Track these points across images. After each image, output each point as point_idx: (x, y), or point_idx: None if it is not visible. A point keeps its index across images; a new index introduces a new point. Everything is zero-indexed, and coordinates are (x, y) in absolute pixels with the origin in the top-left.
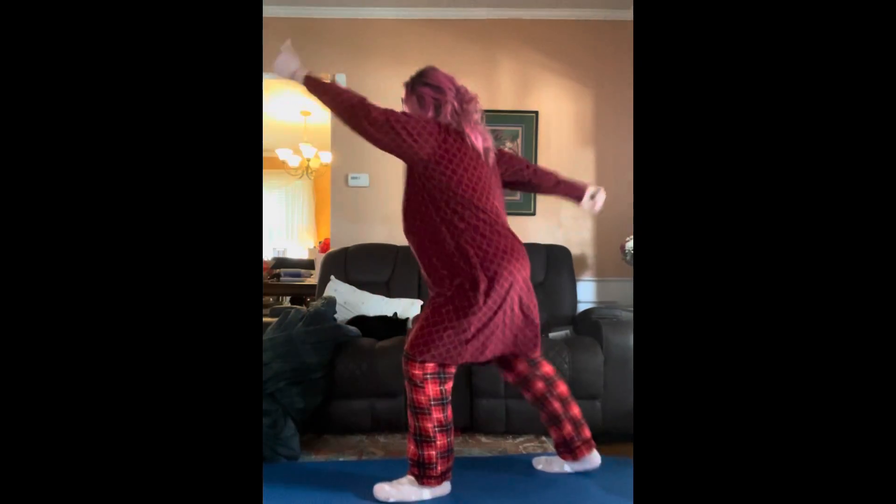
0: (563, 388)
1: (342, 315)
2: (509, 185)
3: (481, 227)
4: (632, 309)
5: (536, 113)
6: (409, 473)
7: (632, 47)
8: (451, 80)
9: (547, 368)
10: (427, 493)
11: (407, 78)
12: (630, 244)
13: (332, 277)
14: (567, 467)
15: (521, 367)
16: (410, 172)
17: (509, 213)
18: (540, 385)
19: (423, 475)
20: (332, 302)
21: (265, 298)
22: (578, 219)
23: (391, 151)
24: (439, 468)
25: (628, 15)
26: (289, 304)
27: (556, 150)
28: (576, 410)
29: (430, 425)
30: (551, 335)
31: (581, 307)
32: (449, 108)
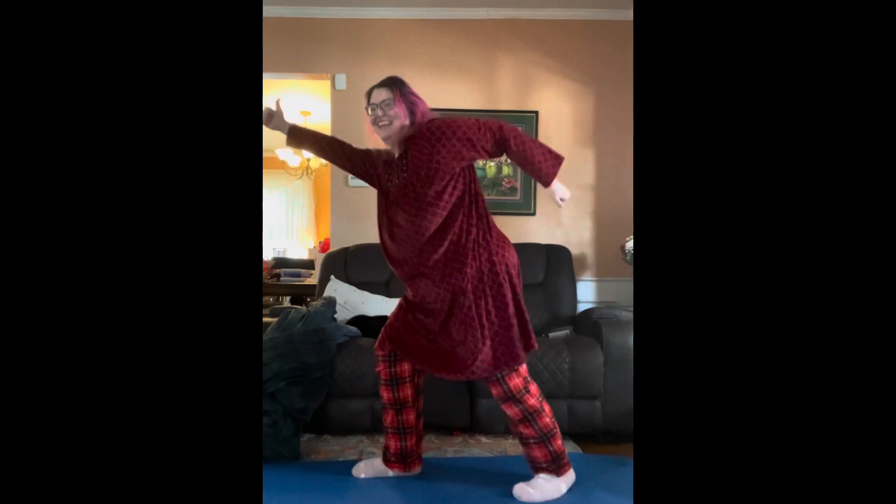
0: (421, 402)
1: (342, 315)
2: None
3: (479, 218)
4: (632, 309)
5: (536, 113)
6: (546, 472)
7: (632, 47)
8: None
9: (420, 380)
10: (565, 484)
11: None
12: (630, 244)
13: (332, 277)
14: (391, 473)
15: (408, 370)
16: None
17: (509, 213)
18: (409, 391)
19: (560, 465)
20: (332, 302)
21: (265, 298)
22: (578, 219)
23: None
24: (566, 454)
25: (628, 15)
26: (289, 304)
27: (556, 150)
28: (421, 425)
29: (548, 419)
30: (551, 335)
31: (581, 307)
32: (426, 117)
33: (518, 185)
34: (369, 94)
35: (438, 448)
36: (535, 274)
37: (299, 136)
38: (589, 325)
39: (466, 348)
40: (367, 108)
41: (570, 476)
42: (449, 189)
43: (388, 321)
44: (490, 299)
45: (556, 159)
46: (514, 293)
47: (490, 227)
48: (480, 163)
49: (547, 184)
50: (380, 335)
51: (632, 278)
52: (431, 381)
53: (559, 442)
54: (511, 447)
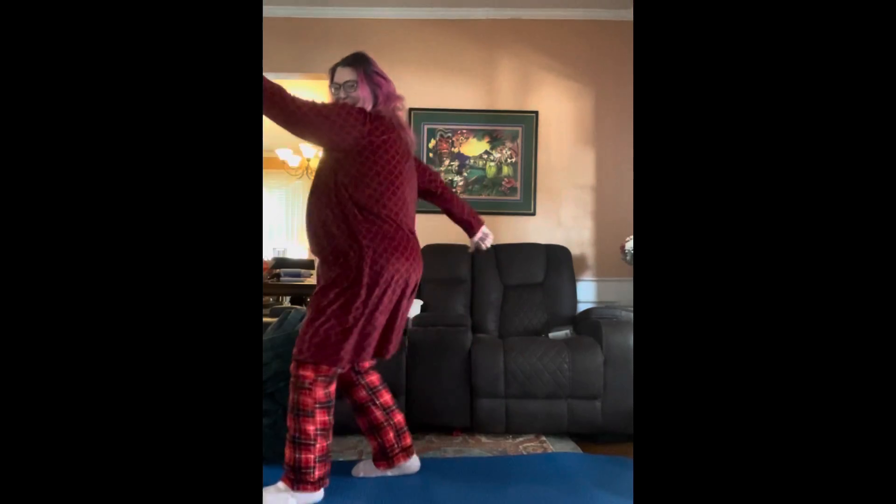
0: (386, 396)
1: None
2: (421, 193)
3: (381, 222)
4: (632, 309)
5: (536, 113)
6: (283, 479)
7: (632, 47)
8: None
9: (373, 377)
10: (294, 500)
11: (377, 70)
12: (630, 244)
13: None
14: (389, 472)
15: (346, 374)
16: (326, 157)
17: (509, 213)
18: (362, 393)
19: (299, 480)
20: None
21: (265, 298)
22: (578, 219)
23: (311, 138)
24: (316, 473)
25: (628, 15)
26: (289, 304)
27: (556, 150)
28: (399, 418)
29: (312, 428)
30: (551, 335)
31: (581, 307)
32: (391, 100)
33: (518, 185)
34: (333, 71)
35: (438, 448)
36: (535, 274)
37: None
38: (589, 325)
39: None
40: (330, 87)
41: (312, 495)
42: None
43: None
44: (339, 292)
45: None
46: (371, 302)
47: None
48: (480, 163)
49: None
50: None
51: (632, 278)
52: (432, 381)
53: (311, 458)
54: (511, 447)
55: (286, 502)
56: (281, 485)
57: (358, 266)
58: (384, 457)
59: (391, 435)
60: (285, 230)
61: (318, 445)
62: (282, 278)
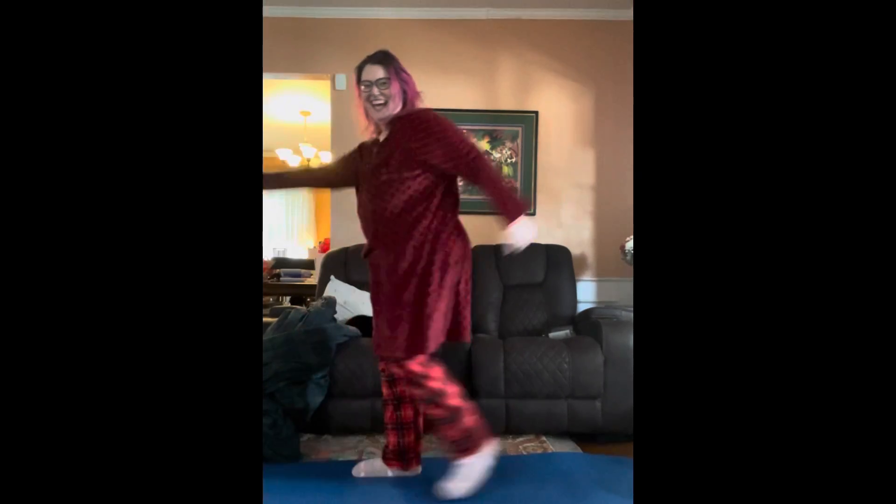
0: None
1: (342, 315)
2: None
3: (453, 215)
4: (632, 309)
5: (536, 113)
6: (461, 455)
7: (632, 47)
8: None
9: None
10: (485, 456)
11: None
12: (630, 244)
13: (332, 277)
14: (390, 472)
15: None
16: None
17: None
18: (402, 387)
19: (475, 443)
20: (332, 302)
21: (265, 298)
22: (578, 219)
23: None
24: (482, 429)
25: (628, 15)
26: (289, 304)
27: (555, 150)
28: (421, 423)
29: (455, 400)
30: (551, 335)
31: (581, 307)
32: (418, 97)
33: (518, 185)
34: (360, 69)
35: (438, 448)
36: (535, 274)
37: (281, 181)
38: (589, 325)
39: (382, 324)
40: (358, 85)
41: (485, 450)
42: (414, 178)
43: None
44: (415, 285)
45: (517, 206)
46: (441, 285)
47: (447, 223)
48: None
49: (506, 223)
50: None
51: (632, 278)
52: None
53: (470, 420)
54: (511, 447)
55: (485, 463)
56: (463, 461)
57: (430, 252)
58: (400, 457)
59: (413, 437)
60: (285, 230)
61: (467, 407)
62: (282, 278)
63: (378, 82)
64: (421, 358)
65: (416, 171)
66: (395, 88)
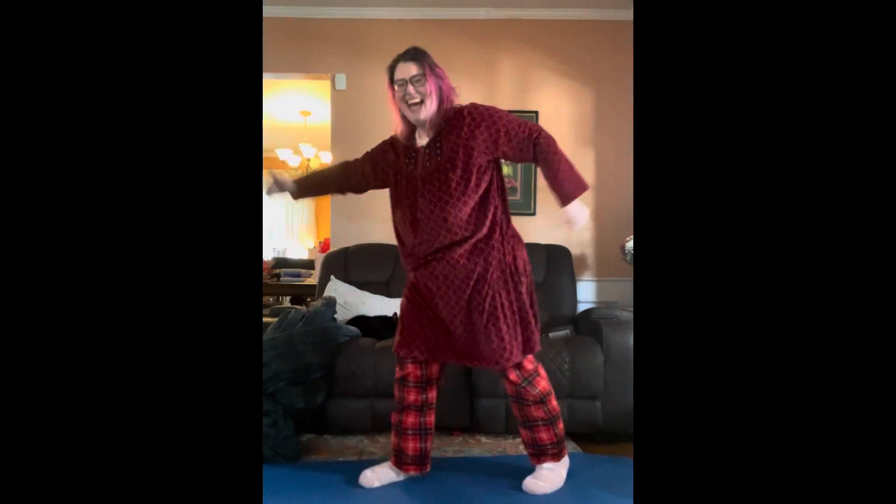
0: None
1: (342, 315)
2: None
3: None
4: (632, 309)
5: (536, 113)
6: (550, 459)
7: (632, 47)
8: None
9: (441, 382)
10: (567, 464)
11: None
12: (630, 244)
13: (332, 277)
14: (401, 476)
15: (431, 372)
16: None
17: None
18: (432, 394)
19: (564, 445)
20: (332, 302)
21: (265, 298)
22: None
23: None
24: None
25: (628, 15)
26: (289, 304)
27: None
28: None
29: (555, 402)
30: (551, 335)
31: (581, 307)
32: (453, 93)
33: (518, 185)
34: (392, 69)
35: (438, 448)
36: (536, 274)
37: (307, 186)
38: (589, 325)
39: (491, 337)
40: (392, 84)
41: (566, 460)
42: (478, 178)
43: (403, 321)
44: (511, 290)
45: (580, 185)
46: (529, 288)
47: (509, 222)
48: None
49: (562, 204)
50: (399, 336)
51: (632, 278)
52: None
53: (562, 425)
54: (511, 447)
55: (562, 475)
56: (548, 467)
57: (512, 256)
58: (418, 462)
59: (430, 443)
60: (285, 230)
61: (559, 415)
62: (282, 278)
63: (413, 80)
64: (531, 356)
65: (485, 169)
66: (431, 85)
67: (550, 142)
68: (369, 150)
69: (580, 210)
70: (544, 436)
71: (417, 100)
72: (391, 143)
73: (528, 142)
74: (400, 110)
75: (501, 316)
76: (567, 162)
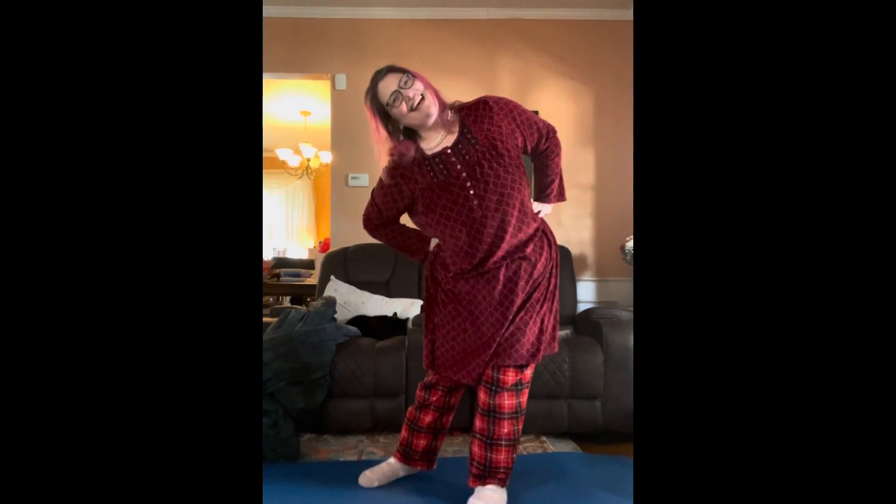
0: None
1: (342, 315)
2: None
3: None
4: (632, 309)
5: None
6: (496, 482)
7: (632, 47)
8: None
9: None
10: (504, 494)
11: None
12: (630, 244)
13: (332, 277)
14: (402, 473)
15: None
16: (513, 159)
17: None
18: (458, 397)
19: (506, 478)
20: (332, 302)
21: (265, 298)
22: (578, 219)
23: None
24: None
25: (628, 15)
26: (289, 304)
27: None
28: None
29: (520, 427)
30: None
31: (581, 307)
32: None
33: None
34: (374, 90)
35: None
36: None
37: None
38: (589, 325)
39: (530, 329)
40: (388, 104)
41: (505, 492)
42: (517, 171)
43: (438, 339)
44: (552, 280)
45: (562, 194)
46: (556, 285)
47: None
48: None
49: (541, 201)
50: (431, 357)
51: (632, 278)
52: None
53: (512, 456)
54: None
55: (504, 500)
56: (492, 488)
57: (549, 248)
58: (427, 458)
59: (441, 442)
60: (285, 230)
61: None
62: (282, 278)
63: (403, 84)
64: (533, 365)
65: (519, 163)
66: (422, 82)
67: (559, 143)
68: (378, 204)
69: (546, 207)
70: (501, 457)
71: (419, 98)
72: (392, 179)
73: (540, 137)
74: (403, 121)
75: (545, 308)
76: (561, 168)
